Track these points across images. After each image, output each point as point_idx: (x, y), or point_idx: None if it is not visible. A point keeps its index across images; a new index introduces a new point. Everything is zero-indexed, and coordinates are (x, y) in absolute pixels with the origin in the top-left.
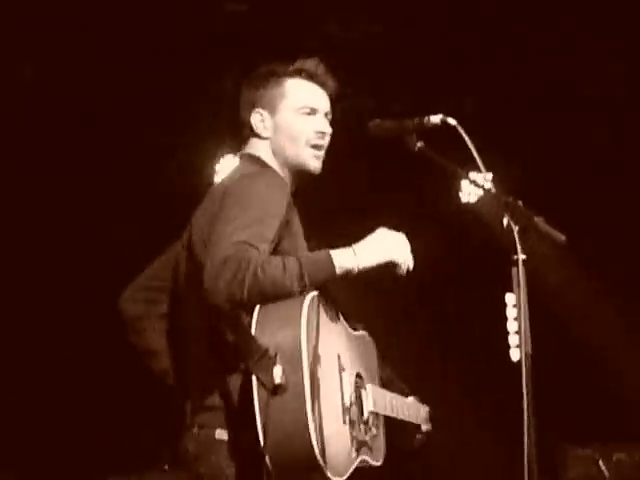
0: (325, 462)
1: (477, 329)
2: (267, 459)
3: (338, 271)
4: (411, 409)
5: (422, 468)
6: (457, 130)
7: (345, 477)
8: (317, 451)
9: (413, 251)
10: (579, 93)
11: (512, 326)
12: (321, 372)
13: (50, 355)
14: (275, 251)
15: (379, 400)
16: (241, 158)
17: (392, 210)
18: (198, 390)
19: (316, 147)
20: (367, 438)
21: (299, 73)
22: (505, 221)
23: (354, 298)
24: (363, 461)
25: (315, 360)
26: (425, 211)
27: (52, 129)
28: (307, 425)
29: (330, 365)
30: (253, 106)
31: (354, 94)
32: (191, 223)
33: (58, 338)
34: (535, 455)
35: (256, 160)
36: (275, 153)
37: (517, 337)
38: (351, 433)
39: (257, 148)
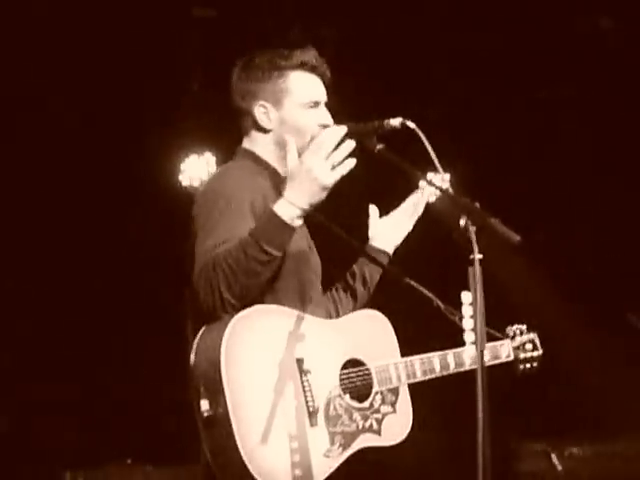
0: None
1: (433, 328)
2: None
3: (289, 221)
4: (459, 357)
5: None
6: (416, 133)
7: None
8: (255, 473)
9: None
10: (531, 95)
11: (467, 324)
12: (259, 389)
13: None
14: None
15: (387, 375)
16: (236, 153)
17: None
18: None
19: None
20: (366, 424)
21: (301, 65)
22: (462, 221)
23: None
24: (361, 449)
25: (246, 381)
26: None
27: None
28: (238, 449)
29: (281, 375)
30: (255, 98)
31: None
32: None
33: (17, 329)
34: (488, 449)
35: (246, 155)
36: (278, 145)
37: (472, 334)
38: (329, 431)
39: (256, 142)
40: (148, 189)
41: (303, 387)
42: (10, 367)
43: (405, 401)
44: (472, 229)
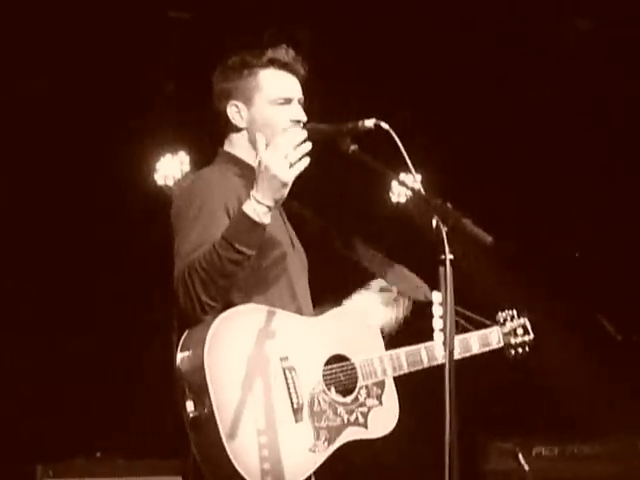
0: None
1: (403, 328)
2: None
3: (257, 219)
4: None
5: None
6: (389, 134)
7: (307, 474)
8: (243, 472)
9: None
10: (504, 96)
11: (437, 324)
12: (243, 388)
13: None
14: None
15: (372, 368)
16: (216, 156)
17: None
18: None
19: None
20: (351, 418)
21: (272, 63)
22: (434, 222)
23: None
24: (348, 442)
25: (230, 381)
26: (355, 211)
27: None
28: (224, 448)
29: (265, 374)
30: (228, 98)
31: None
32: None
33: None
34: (456, 448)
35: (224, 157)
36: (252, 144)
37: (441, 334)
38: (315, 427)
39: (234, 144)
40: (123, 188)
41: (287, 384)
42: None
43: (392, 393)
44: (444, 230)
